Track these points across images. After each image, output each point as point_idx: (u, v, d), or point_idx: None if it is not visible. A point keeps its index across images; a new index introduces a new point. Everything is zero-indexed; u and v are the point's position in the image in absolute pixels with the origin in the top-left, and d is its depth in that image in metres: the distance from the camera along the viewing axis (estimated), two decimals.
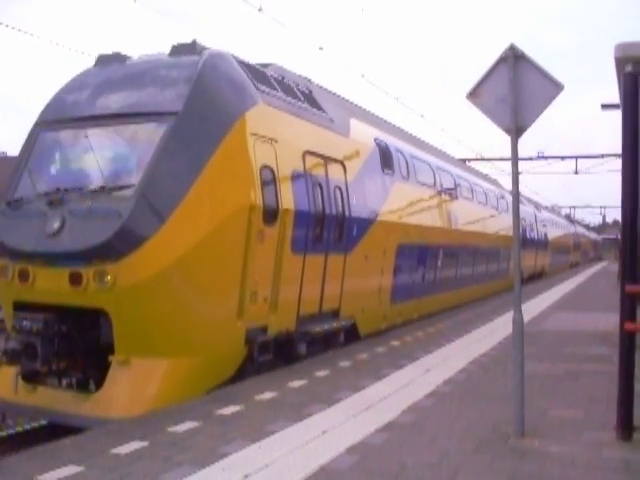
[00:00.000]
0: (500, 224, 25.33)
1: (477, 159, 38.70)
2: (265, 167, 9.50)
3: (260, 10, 15.11)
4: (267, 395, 8.04)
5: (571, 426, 6.83)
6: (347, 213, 11.90)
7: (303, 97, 11.58)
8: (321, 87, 13.49)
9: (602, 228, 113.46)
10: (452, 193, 19.37)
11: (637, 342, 6.54)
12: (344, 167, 12.12)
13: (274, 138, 9.86)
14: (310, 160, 10.91)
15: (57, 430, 8.23)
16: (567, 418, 7.15)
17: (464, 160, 32.69)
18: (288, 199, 10.00)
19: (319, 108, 12.02)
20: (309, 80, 12.89)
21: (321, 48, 19.13)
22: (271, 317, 9.75)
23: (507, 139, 6.79)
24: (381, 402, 7.79)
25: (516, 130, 6.65)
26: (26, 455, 5.95)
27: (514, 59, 6.55)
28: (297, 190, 10.32)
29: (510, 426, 6.57)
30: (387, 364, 10.16)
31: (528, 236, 32.31)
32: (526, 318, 6.86)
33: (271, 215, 9.53)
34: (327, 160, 11.54)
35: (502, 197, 27.31)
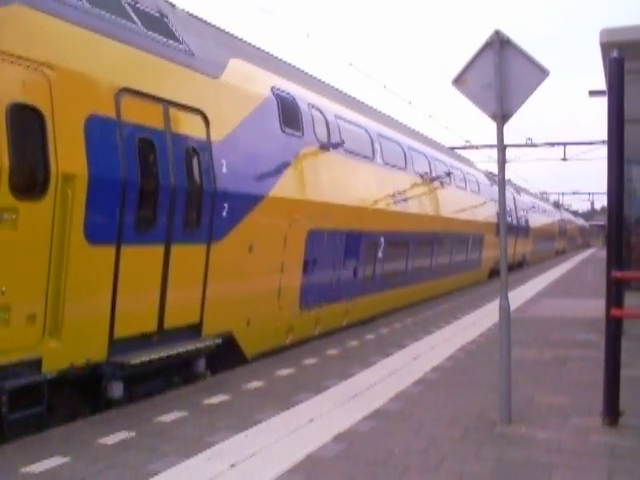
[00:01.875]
0: (470, 207, 22.35)
1: (465, 147, 38.67)
2: (21, 106, 6.16)
3: None
4: (254, 384, 8.03)
5: (558, 412, 6.85)
6: (210, 184, 8.41)
7: (140, 18, 8.11)
8: (194, 16, 9.90)
9: (590, 215, 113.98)
10: (401, 167, 15.83)
11: (624, 328, 6.56)
12: (206, 119, 8.54)
13: (47, 62, 6.44)
14: (133, 103, 7.42)
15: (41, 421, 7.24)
16: (554, 404, 7.17)
17: (452, 148, 32.40)
18: (75, 158, 6.58)
19: (170, 36, 8.54)
20: (171, 4, 9.29)
21: (308, 35, 19.08)
22: (49, 345, 6.43)
23: (494, 125, 6.77)
24: (369, 390, 7.79)
25: (502, 116, 6.62)
26: (10, 447, 5.89)
27: (500, 44, 6.52)
28: (98, 146, 6.87)
29: (497, 413, 6.58)
30: (375, 352, 10.16)
31: (511, 222, 29.88)
32: (514, 305, 6.88)
33: (33, 183, 6.29)
34: (171, 106, 7.99)
35: (473, 176, 24.37)
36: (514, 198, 33.65)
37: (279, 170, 10.11)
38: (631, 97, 6.57)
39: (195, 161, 8.37)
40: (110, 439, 5.91)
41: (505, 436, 6.08)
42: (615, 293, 6.27)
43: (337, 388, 7.87)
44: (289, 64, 12.80)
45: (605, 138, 6.66)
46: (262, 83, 10.35)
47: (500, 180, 6.83)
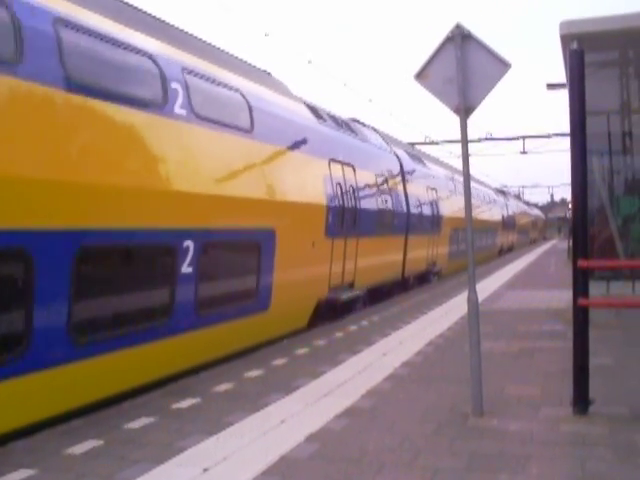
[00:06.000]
0: (257, 172, 10.73)
1: (426, 143, 38.96)
2: None
3: None
4: (223, 386, 7.93)
5: (528, 403, 6.88)
6: None
7: None
8: None
9: (550, 207, 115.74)
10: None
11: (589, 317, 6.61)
12: None
13: None
14: None
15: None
16: (524, 395, 7.20)
17: (412, 144, 32.37)
18: None
19: None
20: None
21: (267, 34, 18.99)
22: None
23: (456, 120, 6.77)
24: (339, 388, 7.74)
25: (465, 110, 6.63)
26: None
27: (461, 38, 6.53)
28: None
29: (469, 406, 6.59)
30: (344, 349, 10.12)
31: (388, 207, 17.28)
32: (480, 298, 6.89)
33: None
34: None
35: (263, 102, 11.46)
36: (401, 164, 19.65)
37: None
38: (590, 89, 6.61)
39: None
40: (78, 448, 5.78)
41: (478, 429, 6.08)
42: (582, 282, 6.32)
43: (307, 387, 7.82)
44: None
45: (563, 130, 6.71)
46: None
47: (465, 174, 6.82)
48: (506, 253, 45.31)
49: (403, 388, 7.70)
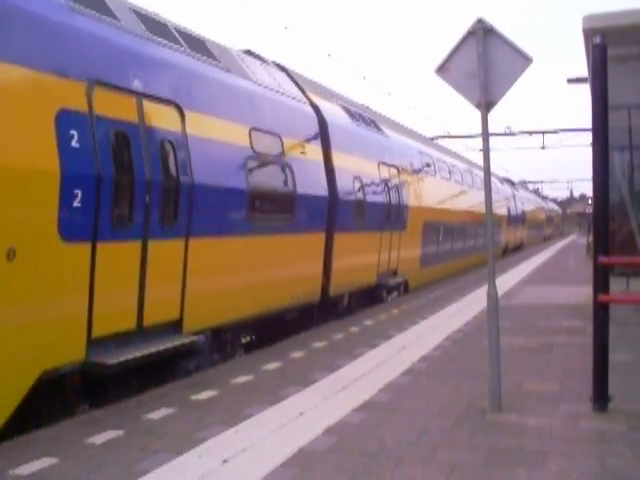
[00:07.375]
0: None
1: (445, 136, 38.83)
2: None
3: None
4: (242, 379, 7.97)
5: (547, 399, 6.87)
6: None
7: None
8: None
9: (570, 202, 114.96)
10: None
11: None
12: None
13: None
14: None
15: (27, 423, 6.37)
16: (543, 391, 7.18)
17: (432, 138, 32.26)
18: None
19: None
20: None
21: (286, 27, 19.02)
22: None
23: (476, 115, 6.75)
24: (357, 381, 7.76)
25: (486, 105, 6.60)
26: None
27: (483, 33, 6.50)
28: None
29: (487, 401, 6.58)
30: (362, 343, 10.14)
31: (279, 187, 10.88)
32: (499, 293, 6.86)
33: None
34: None
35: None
36: (322, 122, 12.80)
37: None
38: (611, 84, 6.56)
39: None
40: (98, 438, 5.84)
41: (496, 424, 6.08)
42: (602, 278, 6.28)
43: (325, 381, 7.84)
44: None
45: (583, 125, 6.67)
46: None
47: (485, 169, 6.80)
48: (513, 252, 38.15)
49: (421, 382, 7.70)
